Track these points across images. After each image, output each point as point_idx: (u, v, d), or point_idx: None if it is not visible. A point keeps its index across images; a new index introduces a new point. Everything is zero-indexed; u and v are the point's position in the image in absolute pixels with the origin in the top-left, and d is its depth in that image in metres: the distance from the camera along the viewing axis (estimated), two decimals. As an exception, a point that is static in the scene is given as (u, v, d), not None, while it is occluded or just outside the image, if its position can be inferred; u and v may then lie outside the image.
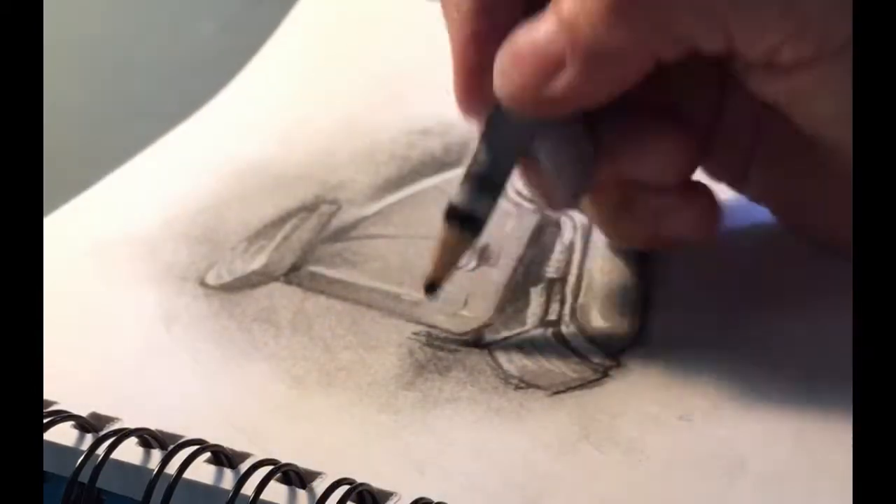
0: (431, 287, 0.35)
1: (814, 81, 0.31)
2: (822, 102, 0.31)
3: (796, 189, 0.36)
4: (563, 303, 0.37)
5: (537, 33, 0.32)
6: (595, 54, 0.31)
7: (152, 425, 0.31)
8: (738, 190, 0.38)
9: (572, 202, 0.36)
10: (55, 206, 0.43)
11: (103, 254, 0.40)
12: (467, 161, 0.44)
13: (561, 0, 0.31)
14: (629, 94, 0.32)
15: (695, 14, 0.30)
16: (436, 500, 0.29)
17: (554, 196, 0.35)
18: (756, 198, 0.38)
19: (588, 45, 0.30)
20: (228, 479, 0.29)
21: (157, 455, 0.30)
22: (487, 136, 0.34)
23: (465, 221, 0.35)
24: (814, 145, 0.33)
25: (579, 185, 0.35)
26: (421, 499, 0.29)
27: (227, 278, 0.39)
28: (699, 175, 0.37)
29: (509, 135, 0.34)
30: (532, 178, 0.36)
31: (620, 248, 0.39)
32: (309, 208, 0.43)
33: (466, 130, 0.47)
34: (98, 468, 0.29)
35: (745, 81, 0.32)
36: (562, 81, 0.31)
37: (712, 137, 0.37)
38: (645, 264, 0.38)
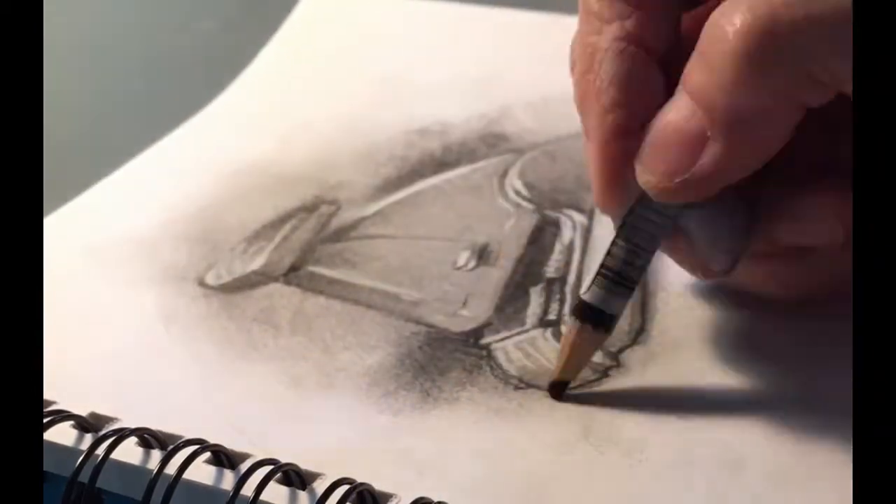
0: (557, 388, 0.33)
1: None
2: None
3: None
4: (562, 302, 0.37)
5: (672, 115, 0.30)
6: (737, 121, 0.29)
7: (152, 425, 0.31)
8: None
9: (728, 272, 0.33)
10: (55, 206, 0.43)
11: (103, 254, 0.40)
12: (466, 161, 0.45)
13: (688, 75, 0.30)
14: (783, 152, 0.30)
15: (834, 53, 0.27)
16: (436, 500, 0.29)
17: (709, 268, 0.33)
18: None
19: (727, 113, 0.29)
20: (228, 479, 0.29)
21: (156, 455, 0.30)
22: (625, 231, 0.33)
23: (597, 319, 0.33)
24: None
25: (734, 255, 0.33)
26: (421, 499, 0.29)
27: (226, 279, 0.39)
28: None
29: (649, 228, 0.32)
30: (681, 252, 0.34)
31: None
32: (308, 209, 0.43)
33: (465, 130, 0.47)
34: (98, 468, 0.29)
35: None
36: (708, 159, 0.29)
37: None
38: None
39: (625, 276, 0.33)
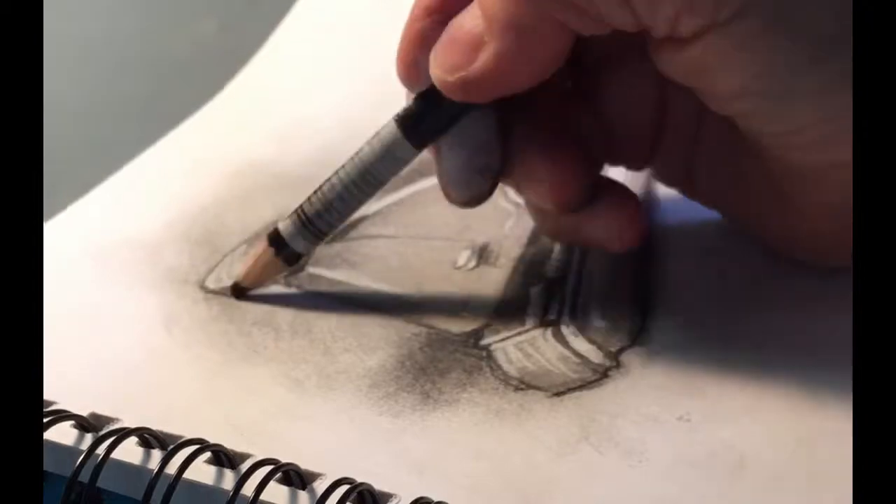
0: (237, 292, 0.38)
1: (710, 53, 0.30)
2: (722, 77, 0.31)
3: (738, 190, 0.37)
4: (562, 303, 0.37)
5: (464, 17, 0.33)
6: (507, 29, 0.32)
7: (152, 425, 0.31)
8: (687, 194, 0.39)
9: (466, 205, 0.37)
10: (55, 206, 0.43)
11: (104, 257, 0.40)
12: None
13: None
14: (542, 109, 0.35)
15: None
16: (436, 500, 0.29)
17: (449, 194, 0.36)
18: (704, 202, 0.38)
19: (499, 21, 0.32)
20: (229, 479, 0.29)
21: (157, 455, 0.30)
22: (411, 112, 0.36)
23: (283, 250, 0.37)
24: (743, 139, 0.34)
25: (475, 193, 0.36)
26: (421, 499, 0.29)
27: (227, 282, 0.39)
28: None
29: (432, 118, 0.35)
30: (438, 171, 0.37)
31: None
32: (308, 209, 0.43)
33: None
34: (98, 468, 0.29)
35: (657, 62, 0.32)
36: (481, 60, 0.32)
37: (655, 141, 0.37)
38: (645, 264, 0.39)
39: (318, 224, 0.37)
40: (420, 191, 0.43)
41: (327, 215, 0.37)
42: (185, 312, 0.37)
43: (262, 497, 0.28)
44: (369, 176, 0.36)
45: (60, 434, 0.31)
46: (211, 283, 0.39)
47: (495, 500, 0.29)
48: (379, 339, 0.36)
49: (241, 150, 0.47)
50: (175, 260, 0.40)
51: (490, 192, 0.36)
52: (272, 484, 0.29)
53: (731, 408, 0.32)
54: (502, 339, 0.36)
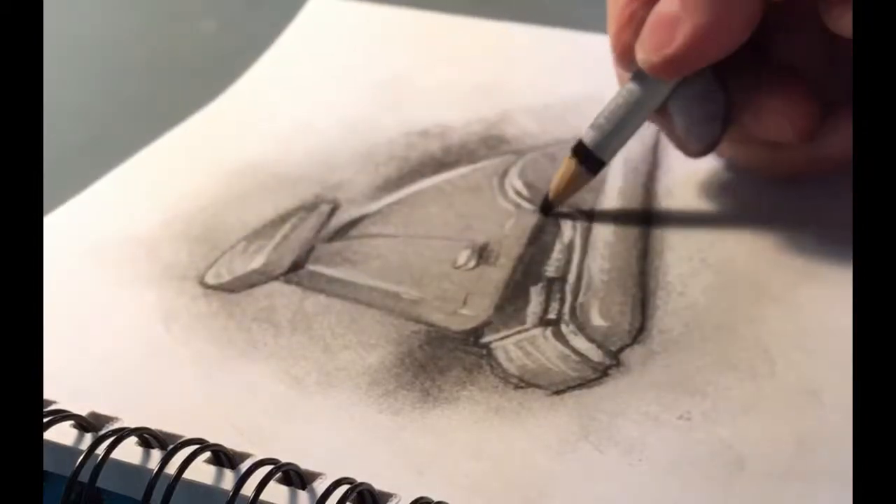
0: (546, 207, 0.41)
1: None
2: None
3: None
4: (562, 302, 0.37)
5: (662, 5, 0.37)
6: (703, 5, 0.35)
7: (152, 425, 0.31)
8: None
9: (703, 153, 0.40)
10: (55, 206, 0.43)
11: (103, 254, 0.40)
12: (467, 161, 0.45)
13: None
14: (752, 55, 0.37)
15: None
16: (436, 500, 0.29)
17: (687, 148, 0.40)
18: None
19: None
20: (228, 479, 0.29)
21: (156, 455, 0.30)
22: (626, 92, 0.39)
23: (587, 160, 0.40)
24: None
25: (709, 140, 0.39)
26: (421, 498, 0.29)
27: (226, 278, 0.39)
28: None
29: (645, 96, 0.39)
30: (666, 130, 0.41)
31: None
32: (308, 208, 0.43)
33: (465, 133, 0.47)
34: (98, 468, 0.29)
35: (826, 20, 0.35)
36: (679, 37, 0.36)
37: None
38: (645, 263, 0.39)
39: (620, 129, 0.40)
40: (420, 190, 0.43)
41: (626, 121, 0.40)
42: (183, 309, 0.37)
43: (262, 497, 0.28)
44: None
45: (60, 434, 0.31)
46: (210, 279, 0.39)
47: (495, 498, 0.29)
48: (378, 337, 0.36)
49: (241, 150, 0.47)
50: (173, 257, 0.40)
51: (721, 138, 0.39)
52: (272, 483, 0.29)
53: (731, 407, 0.32)
54: (502, 338, 0.36)
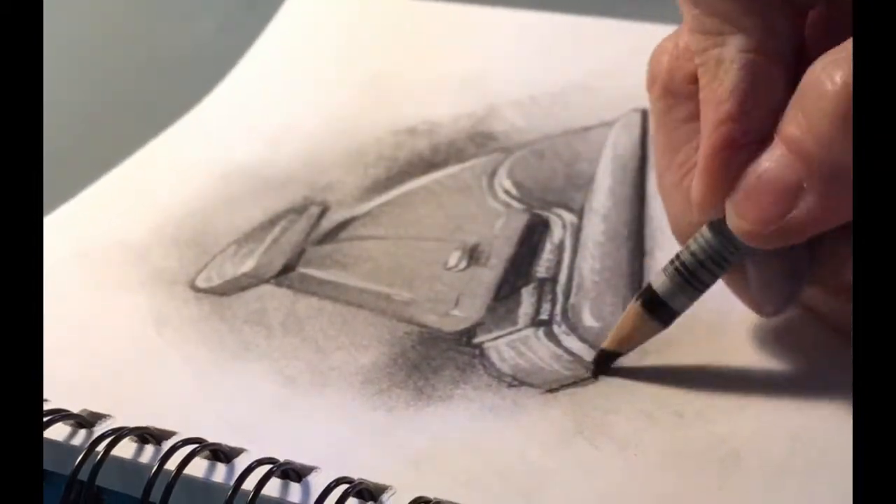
0: (602, 360, 0.34)
1: None
2: None
3: None
4: (554, 303, 0.37)
5: (769, 164, 0.30)
6: (834, 175, 0.29)
7: (146, 424, 0.31)
8: None
9: (778, 313, 0.34)
10: (54, 205, 0.43)
11: (93, 259, 0.40)
12: (455, 161, 0.45)
13: (786, 126, 0.30)
14: None
15: None
16: (431, 496, 0.29)
17: (762, 307, 0.34)
18: None
19: (824, 166, 0.29)
20: (227, 477, 0.29)
21: (156, 453, 0.30)
22: (708, 240, 0.33)
23: (657, 309, 0.34)
24: None
25: (787, 297, 0.34)
26: (420, 498, 0.29)
27: (217, 281, 0.39)
28: None
29: (728, 248, 0.32)
30: (736, 287, 0.35)
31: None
32: (297, 210, 0.43)
33: (453, 129, 0.47)
34: (97, 466, 0.29)
35: None
36: (802, 210, 0.30)
37: None
38: (636, 263, 0.39)
39: (696, 279, 0.33)
40: (409, 191, 0.43)
41: (709, 263, 0.33)
42: (175, 313, 0.37)
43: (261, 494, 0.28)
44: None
45: (58, 434, 0.31)
46: (201, 283, 0.39)
47: (491, 493, 0.29)
48: (371, 338, 0.36)
49: (229, 153, 0.47)
50: (163, 262, 0.40)
51: (799, 294, 0.34)
52: (270, 481, 0.29)
53: (725, 404, 0.32)
54: (494, 338, 0.36)
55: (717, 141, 0.31)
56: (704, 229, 0.32)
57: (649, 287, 0.34)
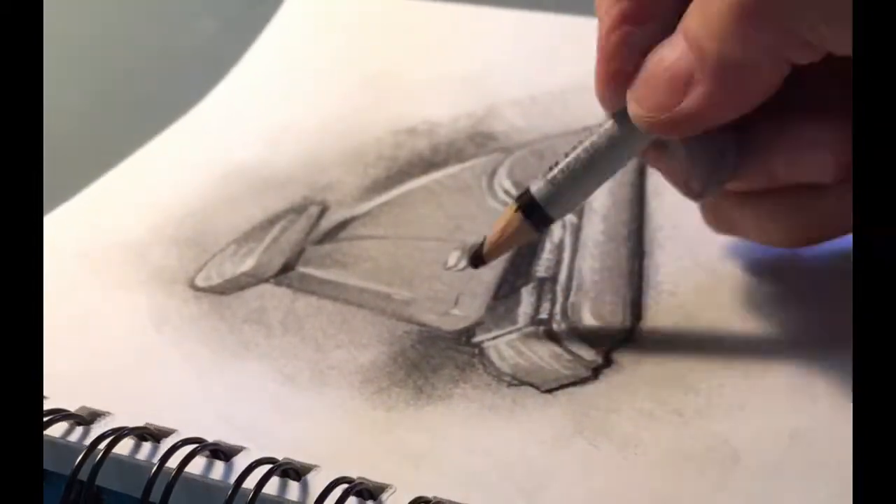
0: (477, 261, 0.36)
1: None
2: None
3: None
4: (553, 302, 0.37)
5: (666, 54, 0.31)
6: (724, 68, 0.30)
7: (145, 422, 0.31)
8: None
9: (707, 196, 0.35)
10: (54, 204, 0.43)
11: (93, 258, 0.40)
12: (455, 161, 0.45)
13: (686, 17, 0.31)
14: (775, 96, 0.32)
15: (824, 19, 0.29)
16: (431, 494, 0.29)
17: (690, 189, 0.35)
18: None
19: (716, 60, 0.30)
20: (227, 476, 0.29)
21: (156, 453, 0.30)
22: (597, 140, 0.34)
23: (533, 215, 0.34)
24: None
25: (715, 182, 0.34)
26: (420, 498, 0.29)
27: (216, 280, 0.39)
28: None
29: (621, 147, 0.33)
30: (663, 169, 0.35)
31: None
32: (297, 210, 0.43)
33: (453, 129, 0.47)
34: (97, 466, 0.29)
35: None
36: (692, 100, 0.31)
37: None
38: (637, 262, 0.39)
39: (579, 184, 0.34)
40: (409, 191, 0.43)
41: (591, 173, 0.34)
42: (174, 311, 0.37)
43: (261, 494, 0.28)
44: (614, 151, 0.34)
45: (58, 433, 0.31)
46: (200, 282, 0.39)
47: (491, 492, 0.29)
48: (370, 337, 0.36)
49: (229, 153, 0.47)
50: (163, 261, 0.40)
51: (727, 179, 0.34)
52: (270, 480, 0.29)
53: (725, 403, 0.32)
54: (494, 338, 0.36)
55: (614, 18, 0.32)
56: (601, 127, 0.33)
57: (528, 192, 0.34)
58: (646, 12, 0.32)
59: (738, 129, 0.33)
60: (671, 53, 0.31)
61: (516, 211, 0.35)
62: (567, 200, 0.34)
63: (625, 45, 0.32)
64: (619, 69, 0.33)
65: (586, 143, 0.34)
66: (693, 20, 0.31)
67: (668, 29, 0.32)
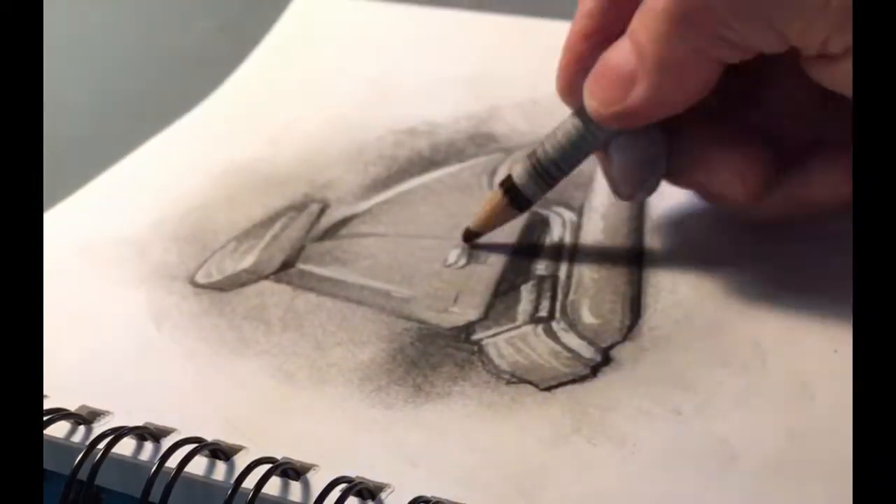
0: (469, 237, 0.40)
1: None
2: None
3: None
4: (553, 300, 0.37)
5: (614, 54, 0.35)
6: (660, 67, 0.34)
7: (145, 420, 0.31)
8: None
9: (634, 198, 0.39)
10: (54, 201, 0.43)
11: (93, 254, 0.40)
12: (455, 160, 0.45)
13: (633, 22, 0.35)
14: (711, 108, 0.36)
15: (745, 22, 0.32)
16: (429, 493, 0.29)
17: (618, 189, 0.38)
18: None
19: (653, 59, 0.34)
20: (227, 476, 0.29)
21: (155, 452, 0.30)
22: (566, 131, 0.38)
23: (515, 197, 0.39)
24: None
25: (644, 184, 0.38)
26: (419, 498, 0.29)
27: (216, 277, 0.39)
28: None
29: (585, 138, 0.37)
30: (603, 167, 0.39)
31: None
32: (297, 207, 0.43)
33: (453, 130, 0.47)
34: (97, 466, 0.29)
35: (809, 72, 0.34)
36: (635, 95, 0.35)
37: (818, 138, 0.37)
38: (635, 260, 0.39)
39: (552, 170, 0.38)
40: (409, 190, 0.44)
41: (561, 162, 0.38)
42: (174, 308, 0.37)
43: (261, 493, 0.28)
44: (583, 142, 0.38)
45: (57, 432, 0.31)
46: (201, 279, 0.39)
47: (489, 490, 0.29)
48: (370, 334, 0.36)
49: (230, 151, 0.47)
50: (163, 257, 0.40)
51: (657, 186, 0.38)
52: (269, 480, 0.29)
53: (723, 401, 0.32)
54: (493, 335, 0.36)
55: (576, 31, 0.37)
56: (567, 121, 0.38)
57: (510, 179, 0.39)
58: (604, 31, 0.36)
59: (671, 141, 0.37)
60: (619, 54, 0.35)
61: (499, 192, 0.39)
62: (541, 185, 0.39)
63: (585, 54, 0.37)
64: (578, 71, 0.37)
65: (558, 134, 0.38)
66: (635, 24, 0.34)
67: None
